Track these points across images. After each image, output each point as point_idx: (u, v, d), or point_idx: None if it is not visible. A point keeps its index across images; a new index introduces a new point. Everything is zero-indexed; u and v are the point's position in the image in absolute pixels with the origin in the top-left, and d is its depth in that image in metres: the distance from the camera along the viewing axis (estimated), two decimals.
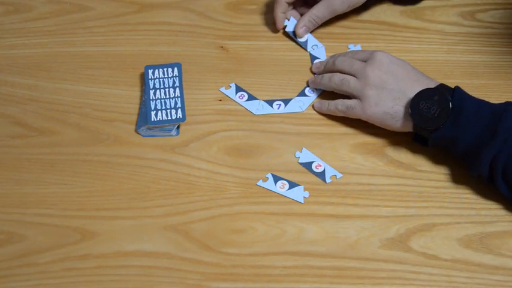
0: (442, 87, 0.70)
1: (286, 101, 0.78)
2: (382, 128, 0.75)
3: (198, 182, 0.72)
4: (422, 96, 0.69)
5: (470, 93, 0.79)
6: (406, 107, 0.70)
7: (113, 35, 0.86)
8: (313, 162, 0.73)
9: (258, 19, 0.88)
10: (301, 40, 0.84)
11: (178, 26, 0.87)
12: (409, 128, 0.71)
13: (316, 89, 0.79)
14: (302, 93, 0.79)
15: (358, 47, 0.84)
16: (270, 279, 0.66)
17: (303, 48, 0.84)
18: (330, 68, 0.79)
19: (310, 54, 0.83)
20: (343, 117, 0.77)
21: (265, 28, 0.87)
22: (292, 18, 0.84)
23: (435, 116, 0.67)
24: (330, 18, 0.84)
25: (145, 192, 0.72)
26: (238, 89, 0.79)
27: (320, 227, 0.69)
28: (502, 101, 0.78)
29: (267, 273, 0.66)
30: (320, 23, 0.84)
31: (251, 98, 0.79)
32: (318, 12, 0.82)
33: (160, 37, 0.86)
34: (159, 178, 0.73)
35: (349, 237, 0.68)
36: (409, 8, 0.88)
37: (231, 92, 0.79)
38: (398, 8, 0.88)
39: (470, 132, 0.66)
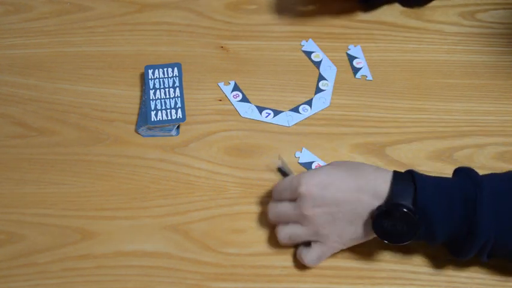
0: (397, 187, 0.60)
1: (276, 112, 0.78)
2: (383, 128, 0.75)
3: (198, 182, 0.72)
4: (382, 216, 0.59)
5: (470, 93, 0.79)
6: (369, 227, 0.61)
7: (113, 35, 0.86)
8: (313, 162, 0.73)
9: (258, 19, 0.88)
10: (315, 60, 0.83)
11: (178, 26, 0.87)
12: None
13: (310, 108, 0.78)
14: (295, 109, 0.78)
15: (358, 47, 0.84)
16: (270, 279, 0.66)
17: (316, 67, 0.82)
18: (273, 221, 0.67)
19: (305, 52, 0.83)
20: (343, 117, 0.77)
21: (265, 28, 0.87)
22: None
23: (404, 231, 0.60)
24: (330, 19, 0.83)
25: (145, 192, 0.72)
26: (236, 88, 0.79)
27: None
28: (502, 101, 0.79)
29: (267, 273, 0.66)
30: None
31: (244, 99, 0.79)
32: None
33: (160, 37, 0.86)
34: (159, 178, 0.73)
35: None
36: (409, 8, 0.88)
37: (227, 89, 0.79)
38: (398, 8, 0.88)
39: (446, 231, 0.60)
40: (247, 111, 0.78)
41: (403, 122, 0.77)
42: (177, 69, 0.79)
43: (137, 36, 0.86)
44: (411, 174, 0.61)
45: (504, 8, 0.88)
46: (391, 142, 0.75)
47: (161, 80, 0.79)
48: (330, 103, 0.79)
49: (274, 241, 0.68)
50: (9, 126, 0.77)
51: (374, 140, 0.75)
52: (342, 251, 0.67)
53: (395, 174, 0.61)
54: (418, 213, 0.59)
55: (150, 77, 0.79)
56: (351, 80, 0.81)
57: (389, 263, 0.66)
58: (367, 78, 0.81)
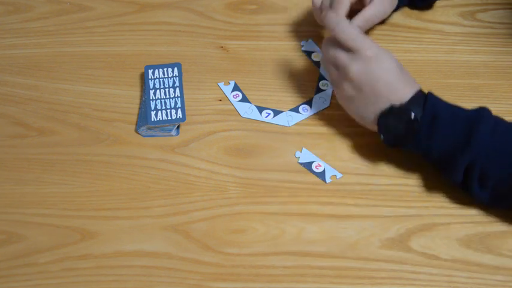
0: (415, 99, 0.67)
1: (276, 112, 0.78)
2: None
3: (198, 182, 0.72)
4: (391, 112, 0.67)
5: (470, 93, 0.79)
6: (375, 116, 0.69)
7: (113, 35, 0.86)
8: (313, 162, 0.73)
9: (258, 19, 0.88)
10: (316, 60, 0.83)
11: (178, 26, 0.87)
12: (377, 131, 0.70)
13: (310, 108, 0.78)
14: (295, 109, 0.78)
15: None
16: (270, 279, 0.66)
17: (316, 67, 0.82)
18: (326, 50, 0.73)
19: (305, 52, 0.83)
20: (343, 117, 0.77)
21: (265, 28, 0.87)
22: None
23: (402, 134, 0.67)
24: None
25: (145, 192, 0.72)
26: (236, 87, 0.79)
27: (320, 227, 0.69)
28: (502, 101, 0.79)
29: (267, 273, 0.66)
30: (371, 25, 0.80)
31: (244, 99, 0.79)
32: (371, 11, 0.78)
33: (160, 37, 0.86)
34: (159, 178, 0.73)
35: (349, 237, 0.68)
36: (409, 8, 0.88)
37: (227, 89, 0.79)
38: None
39: (444, 142, 0.66)
40: (247, 111, 0.78)
41: None
42: (177, 69, 0.79)
43: (137, 36, 0.86)
44: (427, 94, 0.68)
45: (504, 8, 0.87)
46: None
47: (161, 80, 0.79)
48: (330, 103, 0.79)
49: (274, 241, 0.68)
50: (9, 126, 0.77)
51: (374, 140, 0.75)
52: (342, 251, 0.67)
53: (420, 90, 0.69)
54: (424, 118, 0.66)
55: (150, 77, 0.79)
56: None
57: (389, 263, 0.66)
58: None
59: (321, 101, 0.79)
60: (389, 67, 0.69)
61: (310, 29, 0.86)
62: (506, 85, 0.80)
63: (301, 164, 0.74)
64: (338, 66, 0.71)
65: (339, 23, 0.70)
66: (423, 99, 0.67)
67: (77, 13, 0.89)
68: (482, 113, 0.66)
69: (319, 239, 0.68)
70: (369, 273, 0.66)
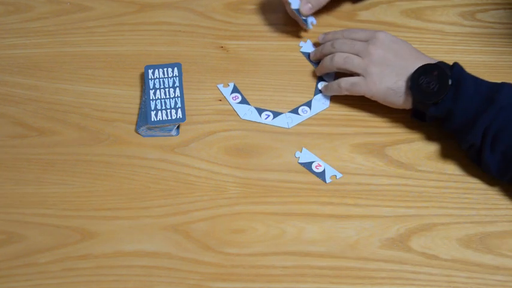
0: (441, 63, 0.71)
1: (275, 114, 0.77)
2: (383, 128, 0.75)
3: (198, 182, 0.72)
4: (422, 71, 0.70)
5: None
6: (407, 82, 0.72)
7: (113, 35, 0.86)
8: (313, 162, 0.73)
9: (258, 19, 0.88)
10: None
11: (178, 26, 0.87)
12: (410, 104, 0.72)
13: (310, 109, 0.78)
14: (295, 111, 0.78)
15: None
16: (270, 279, 0.66)
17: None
18: (328, 51, 0.79)
19: (303, 53, 0.83)
20: (343, 117, 0.77)
21: (265, 28, 0.87)
22: None
23: (434, 90, 0.69)
24: (330, 19, 0.83)
25: (145, 192, 0.72)
26: (235, 89, 0.79)
27: (320, 227, 0.69)
28: None
29: (267, 273, 0.66)
30: (324, 2, 0.83)
31: (244, 101, 0.78)
32: None
33: (160, 37, 0.86)
34: (159, 178, 0.73)
35: (349, 237, 0.68)
36: (409, 8, 0.88)
37: (227, 91, 0.79)
38: (398, 8, 0.88)
39: (468, 105, 0.68)
40: (247, 113, 0.78)
41: (403, 122, 0.77)
42: (177, 69, 0.79)
43: (137, 36, 0.86)
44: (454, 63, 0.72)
45: (504, 8, 0.88)
46: (391, 142, 0.75)
47: (161, 80, 0.79)
48: (330, 104, 0.79)
49: (274, 241, 0.68)
50: (9, 126, 0.77)
51: (374, 140, 0.75)
52: (342, 251, 0.67)
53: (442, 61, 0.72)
54: (452, 79, 0.69)
55: (150, 77, 0.79)
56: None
57: (389, 263, 0.66)
58: None
59: (321, 102, 0.79)
60: (407, 46, 0.75)
61: (309, 29, 0.86)
62: None
63: (301, 164, 0.74)
64: (359, 53, 0.75)
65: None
66: (449, 65, 0.71)
67: (77, 13, 0.89)
68: (505, 84, 0.68)
69: (319, 239, 0.68)
70: (369, 273, 0.66)
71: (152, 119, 0.75)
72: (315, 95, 0.79)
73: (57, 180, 0.73)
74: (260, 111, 0.78)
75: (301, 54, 0.84)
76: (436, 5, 0.88)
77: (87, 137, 0.76)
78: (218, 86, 0.80)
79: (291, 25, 0.87)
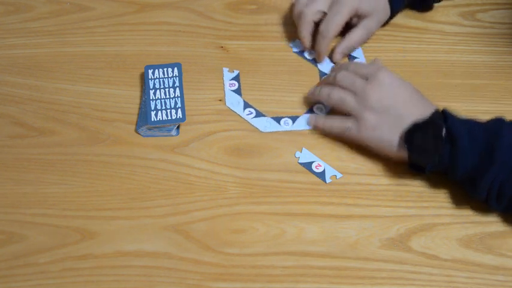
0: (436, 115, 0.68)
1: (293, 118, 0.77)
2: None
3: (198, 182, 0.72)
4: (416, 128, 0.67)
5: (470, 93, 0.79)
6: (401, 136, 0.69)
7: (113, 35, 0.86)
8: (313, 162, 0.73)
9: (258, 19, 0.88)
10: (310, 58, 0.83)
11: (178, 26, 0.87)
12: (403, 155, 0.69)
13: (324, 106, 0.77)
14: (310, 110, 0.77)
15: (359, 48, 0.84)
16: (270, 279, 0.66)
17: (314, 65, 0.82)
18: (330, 81, 0.76)
19: (296, 52, 0.83)
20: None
21: (265, 28, 0.87)
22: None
23: (430, 149, 0.67)
24: None
25: (145, 192, 0.72)
26: (246, 105, 0.78)
27: (320, 227, 0.69)
28: (502, 101, 0.79)
29: (267, 273, 0.66)
30: (357, 47, 0.83)
31: (258, 114, 0.78)
32: (356, 37, 0.81)
33: (160, 37, 0.86)
34: (159, 178, 0.73)
35: (349, 237, 0.68)
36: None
37: (238, 108, 0.78)
38: None
39: (466, 161, 0.66)
40: (266, 125, 0.76)
41: None
42: (177, 69, 0.79)
43: (137, 36, 0.86)
44: (445, 112, 0.69)
45: (504, 8, 0.88)
46: None
47: (161, 80, 0.79)
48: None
49: (274, 241, 0.68)
50: (9, 126, 0.77)
51: None
52: (342, 251, 0.67)
53: (437, 109, 0.69)
54: (447, 134, 0.65)
55: (150, 77, 0.79)
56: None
57: (389, 263, 0.66)
58: None
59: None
60: (406, 88, 0.71)
61: None
62: (506, 85, 0.80)
63: (301, 164, 0.74)
64: (356, 93, 0.71)
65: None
66: (442, 117, 0.68)
67: (77, 13, 0.89)
68: (499, 125, 0.66)
69: (319, 239, 0.68)
70: (369, 273, 0.66)
71: (152, 119, 0.75)
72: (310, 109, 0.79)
73: (57, 180, 0.73)
74: (277, 119, 0.77)
75: (300, 54, 0.84)
76: (436, 5, 0.88)
77: (87, 137, 0.76)
78: (224, 71, 0.81)
79: (291, 25, 0.87)
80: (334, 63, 0.82)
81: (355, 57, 0.83)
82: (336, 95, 0.74)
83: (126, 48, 0.85)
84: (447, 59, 0.83)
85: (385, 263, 0.66)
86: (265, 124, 0.76)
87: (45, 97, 0.80)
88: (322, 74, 0.81)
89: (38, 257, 0.67)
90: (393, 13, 0.83)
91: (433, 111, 0.68)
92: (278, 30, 0.86)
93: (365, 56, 0.83)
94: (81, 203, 0.71)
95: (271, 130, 0.76)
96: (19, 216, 0.70)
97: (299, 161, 0.74)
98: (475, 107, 0.78)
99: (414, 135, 0.67)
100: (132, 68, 0.82)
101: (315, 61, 0.82)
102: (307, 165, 0.73)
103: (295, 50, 0.84)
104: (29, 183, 0.72)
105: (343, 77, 0.74)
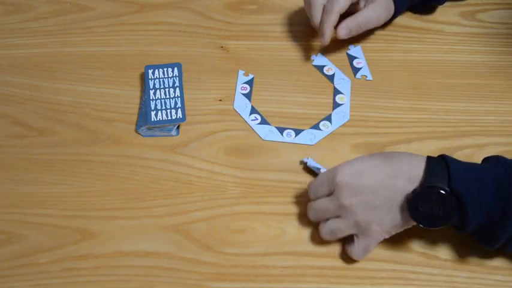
0: (431, 172, 0.60)
1: (297, 131, 0.76)
2: (383, 128, 0.75)
3: (198, 182, 0.72)
4: (417, 199, 0.60)
5: (470, 93, 0.79)
6: (405, 211, 0.61)
7: (113, 35, 0.86)
8: (320, 168, 0.72)
9: (258, 19, 0.88)
10: (328, 74, 0.81)
11: (178, 26, 0.87)
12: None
13: (331, 123, 0.76)
14: (316, 126, 0.77)
15: (358, 48, 0.84)
16: (270, 279, 0.66)
17: (330, 81, 0.81)
18: (314, 220, 0.68)
19: (316, 66, 0.82)
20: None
21: (265, 28, 0.87)
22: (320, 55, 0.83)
23: (440, 215, 0.60)
24: None
25: (145, 192, 0.72)
26: (253, 110, 0.78)
27: None
28: (502, 101, 0.79)
29: (267, 273, 0.66)
30: (364, 29, 0.80)
31: (263, 122, 0.77)
32: (363, 17, 0.78)
33: (160, 37, 0.86)
34: (159, 178, 0.73)
35: (349, 237, 0.68)
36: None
37: (245, 112, 0.78)
38: None
39: (478, 217, 0.60)
40: (268, 134, 0.76)
41: (403, 121, 0.77)
42: (177, 69, 0.79)
43: (137, 36, 0.86)
44: (443, 159, 0.62)
45: (504, 8, 0.88)
46: (391, 142, 0.75)
47: (161, 80, 0.79)
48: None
49: (274, 241, 0.68)
50: (9, 126, 0.77)
51: (374, 140, 0.75)
52: (342, 251, 0.67)
53: (429, 158, 0.62)
54: (452, 192, 0.59)
55: (150, 77, 0.79)
56: (351, 80, 0.81)
57: (389, 263, 0.66)
58: (367, 78, 0.81)
59: (341, 115, 0.77)
60: (371, 167, 0.63)
61: (309, 29, 0.86)
62: (506, 85, 0.80)
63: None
64: (338, 215, 0.64)
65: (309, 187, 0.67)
66: (440, 162, 0.61)
67: (77, 13, 0.89)
68: (505, 170, 0.60)
69: (319, 239, 0.68)
70: (369, 273, 0.66)
71: (152, 119, 0.75)
72: (333, 109, 0.78)
73: (57, 180, 0.73)
74: (281, 130, 0.77)
75: (301, 54, 0.84)
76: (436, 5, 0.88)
77: (87, 137, 0.76)
78: (240, 75, 0.81)
79: (291, 25, 0.87)
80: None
81: (355, 57, 0.83)
82: (327, 234, 0.66)
83: (126, 48, 0.85)
84: (447, 59, 0.83)
85: (385, 263, 0.66)
86: (267, 132, 0.76)
87: (45, 97, 0.80)
88: (336, 92, 0.80)
89: (38, 257, 0.67)
90: (396, 12, 0.83)
91: (422, 163, 0.61)
92: (278, 30, 0.86)
93: (365, 56, 0.83)
94: (81, 203, 0.71)
95: (272, 139, 0.76)
96: (19, 216, 0.70)
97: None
98: (475, 107, 0.78)
99: (418, 206, 0.60)
100: (132, 68, 0.82)
101: (332, 78, 0.82)
102: (316, 170, 0.73)
103: (315, 63, 0.83)
104: (29, 183, 0.72)
105: (315, 214, 0.67)
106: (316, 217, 0.67)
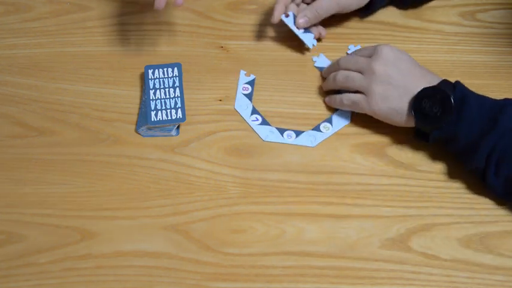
0: (444, 84, 0.69)
1: (298, 133, 0.76)
2: (383, 128, 0.75)
3: (198, 182, 0.72)
4: (425, 94, 0.69)
5: None
6: (410, 103, 0.70)
7: (113, 35, 0.86)
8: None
9: (258, 19, 0.88)
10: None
11: (178, 26, 0.87)
12: (412, 123, 0.71)
13: (331, 125, 0.76)
14: (317, 128, 0.77)
15: (358, 48, 0.84)
16: (270, 279, 0.66)
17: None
18: (334, 69, 0.78)
19: (317, 67, 0.82)
20: None
21: (265, 28, 0.87)
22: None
23: (437, 115, 0.68)
24: (331, 19, 0.83)
25: (145, 192, 0.72)
26: (254, 111, 0.78)
27: (320, 227, 0.69)
28: None
29: (267, 273, 0.66)
30: (323, 16, 0.81)
31: (264, 122, 0.77)
32: (322, 3, 0.80)
33: (160, 37, 0.86)
34: (159, 178, 0.73)
35: (349, 238, 0.68)
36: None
37: (246, 113, 0.78)
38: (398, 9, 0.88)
39: (472, 128, 0.67)
40: (269, 134, 0.76)
41: None
42: (177, 69, 0.79)
43: (137, 36, 0.86)
44: (456, 83, 0.70)
45: (504, 8, 0.87)
46: (391, 142, 0.75)
47: (161, 80, 0.79)
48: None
49: (274, 241, 0.68)
50: (9, 126, 0.77)
51: (374, 140, 0.75)
52: (342, 251, 0.67)
53: (445, 79, 0.71)
54: (455, 102, 0.67)
55: (150, 77, 0.79)
56: None
57: (389, 263, 0.66)
58: None
59: (343, 117, 0.77)
60: (411, 61, 0.73)
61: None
62: (506, 85, 0.80)
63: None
64: (362, 70, 0.73)
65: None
66: (452, 85, 0.69)
67: (77, 13, 0.89)
68: (508, 103, 0.67)
69: (319, 239, 0.68)
70: (369, 273, 0.66)
71: (152, 119, 0.75)
72: (334, 111, 0.78)
73: (57, 180, 0.73)
74: (281, 131, 0.77)
75: (301, 54, 0.84)
76: (436, 5, 0.88)
77: (87, 137, 0.76)
78: (240, 77, 0.81)
79: None
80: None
81: None
82: (341, 76, 0.75)
83: (126, 48, 0.85)
84: (447, 59, 0.83)
85: (385, 263, 0.66)
86: (267, 133, 0.76)
87: (45, 97, 0.80)
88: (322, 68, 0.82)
89: (38, 257, 0.67)
90: (373, 4, 0.83)
91: (440, 80, 0.70)
92: (278, 30, 0.86)
93: None
94: (81, 203, 0.71)
95: (272, 140, 0.76)
96: (19, 216, 0.70)
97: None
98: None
99: (422, 100, 0.68)
100: (132, 68, 0.82)
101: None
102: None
103: (316, 65, 0.82)
104: (29, 183, 0.73)
105: (345, 60, 0.76)
106: (346, 62, 0.76)
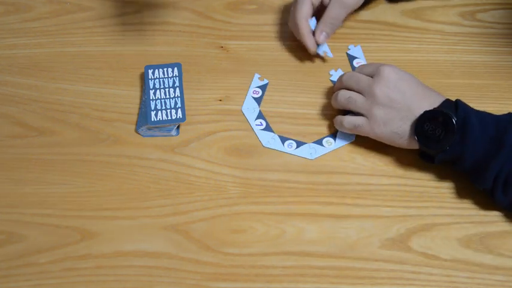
0: (445, 104, 0.68)
1: (299, 143, 0.75)
2: None
3: (198, 182, 0.72)
4: (426, 117, 0.67)
5: (470, 93, 0.79)
6: (412, 126, 0.69)
7: (112, 35, 0.86)
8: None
9: (258, 19, 0.88)
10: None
11: (178, 26, 0.87)
12: (415, 146, 0.70)
13: (334, 141, 0.76)
14: (319, 141, 0.76)
15: (358, 47, 0.84)
16: (270, 279, 0.66)
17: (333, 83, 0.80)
18: (338, 86, 0.76)
19: (333, 81, 0.81)
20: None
21: (265, 28, 0.87)
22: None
23: (440, 138, 0.67)
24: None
25: (145, 192, 0.72)
26: (260, 115, 0.78)
27: (320, 227, 0.69)
28: (502, 101, 0.79)
29: (267, 273, 0.66)
30: (338, 24, 0.81)
31: (268, 128, 0.77)
32: (332, 13, 0.80)
33: (160, 37, 0.86)
34: (159, 178, 0.73)
35: (349, 238, 0.68)
36: (409, 8, 0.88)
37: (251, 116, 0.78)
38: (398, 8, 0.88)
39: (477, 149, 0.66)
40: (270, 141, 0.75)
41: None
42: (177, 69, 0.79)
43: (137, 36, 0.86)
44: (457, 102, 0.69)
45: (504, 8, 0.87)
46: None
47: (161, 80, 0.79)
48: (330, 104, 0.78)
49: (274, 241, 0.68)
50: (9, 126, 0.77)
51: (374, 140, 0.75)
52: (342, 251, 0.67)
53: (448, 99, 0.70)
54: (458, 123, 0.66)
55: (150, 77, 0.79)
56: None
57: (389, 263, 0.66)
58: None
59: (346, 135, 0.76)
60: (412, 82, 0.71)
61: None
62: (506, 85, 0.80)
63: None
64: (363, 91, 0.72)
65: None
66: (454, 105, 0.68)
67: (77, 13, 0.89)
68: (511, 116, 0.67)
69: (319, 239, 0.68)
70: (369, 273, 0.66)
71: (152, 119, 0.75)
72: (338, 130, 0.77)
73: (57, 180, 0.73)
74: (283, 139, 0.76)
75: (301, 54, 0.84)
76: (436, 5, 0.88)
77: (87, 137, 0.76)
78: (255, 80, 0.81)
79: None
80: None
81: (355, 57, 0.83)
82: (342, 97, 0.74)
83: (126, 48, 0.85)
84: (447, 59, 0.83)
85: (385, 263, 0.66)
86: (269, 140, 0.76)
87: (45, 97, 0.80)
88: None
89: (38, 257, 0.67)
90: None
91: (442, 101, 0.69)
92: (278, 30, 0.86)
93: (365, 56, 0.83)
94: (81, 203, 0.71)
95: (272, 147, 0.75)
96: (19, 216, 0.70)
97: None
98: (475, 107, 0.78)
99: (424, 124, 0.67)
100: (132, 68, 0.82)
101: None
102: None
103: (332, 78, 0.81)
104: (29, 183, 0.73)
105: (348, 78, 0.74)
106: (348, 80, 0.74)
